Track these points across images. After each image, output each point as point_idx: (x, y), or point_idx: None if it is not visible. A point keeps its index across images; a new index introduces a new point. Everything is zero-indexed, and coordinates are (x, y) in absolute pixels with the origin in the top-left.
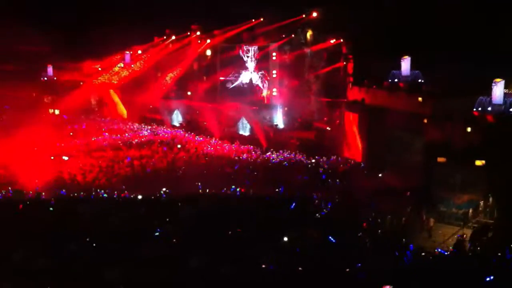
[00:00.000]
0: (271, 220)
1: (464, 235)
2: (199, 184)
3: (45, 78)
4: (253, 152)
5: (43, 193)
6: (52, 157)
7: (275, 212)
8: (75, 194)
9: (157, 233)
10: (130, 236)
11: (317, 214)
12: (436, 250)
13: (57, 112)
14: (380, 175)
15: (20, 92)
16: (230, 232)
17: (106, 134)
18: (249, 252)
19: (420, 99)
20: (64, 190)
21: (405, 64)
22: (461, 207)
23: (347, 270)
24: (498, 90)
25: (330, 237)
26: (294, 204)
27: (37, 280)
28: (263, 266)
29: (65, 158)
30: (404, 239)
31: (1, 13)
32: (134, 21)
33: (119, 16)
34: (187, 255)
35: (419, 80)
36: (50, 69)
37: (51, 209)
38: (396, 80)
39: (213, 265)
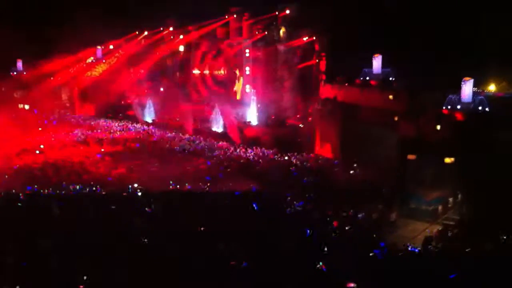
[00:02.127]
0: (242, 215)
1: (433, 232)
2: (171, 180)
3: (15, 73)
4: (226, 149)
5: (14, 190)
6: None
7: (246, 208)
8: (46, 190)
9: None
10: (102, 231)
11: (288, 210)
12: (404, 246)
13: (27, 107)
14: (352, 171)
15: None
16: (202, 228)
17: (78, 130)
18: (220, 248)
19: (391, 96)
20: (33, 186)
21: (377, 62)
22: (431, 204)
23: (317, 265)
24: (467, 88)
25: (307, 230)
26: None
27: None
28: (232, 262)
29: (37, 152)
30: (374, 235)
31: None
32: (106, 16)
33: (90, 11)
34: (158, 250)
35: (390, 78)
36: (19, 64)
37: (19, 204)
38: (367, 78)
39: (184, 260)
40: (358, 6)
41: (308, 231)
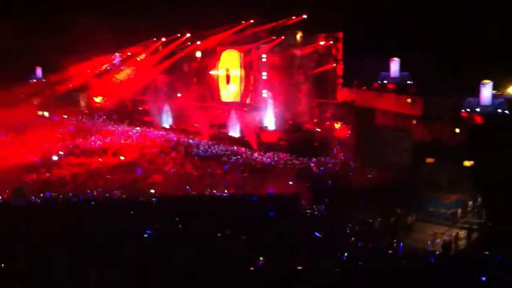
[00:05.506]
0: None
1: (453, 235)
2: (188, 185)
3: (34, 80)
4: (243, 153)
5: (33, 197)
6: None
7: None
8: (63, 196)
9: (145, 235)
10: (118, 237)
11: (304, 214)
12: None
13: (46, 114)
14: (369, 175)
15: (8, 94)
16: (218, 234)
17: (95, 136)
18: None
19: (408, 100)
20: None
21: (394, 66)
22: (449, 207)
23: (337, 269)
24: (486, 91)
25: (316, 233)
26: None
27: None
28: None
29: (55, 158)
30: (395, 240)
31: None
32: (123, 23)
33: (108, 18)
34: (174, 256)
35: (408, 82)
36: (39, 71)
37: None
38: (385, 81)
39: (200, 266)
40: (375, 10)
41: (323, 235)
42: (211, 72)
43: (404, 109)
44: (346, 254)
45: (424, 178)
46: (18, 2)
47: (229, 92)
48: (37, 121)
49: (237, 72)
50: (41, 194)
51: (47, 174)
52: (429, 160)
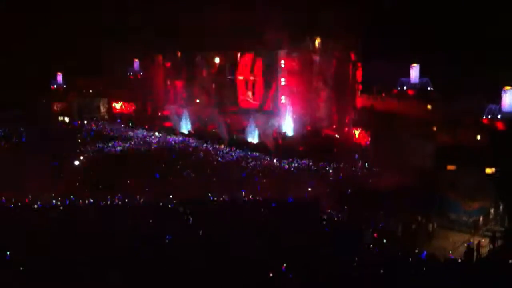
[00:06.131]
0: (278, 226)
1: (475, 243)
2: (207, 191)
3: (55, 86)
4: (262, 159)
5: (54, 201)
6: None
7: (282, 218)
8: (86, 201)
9: (167, 239)
10: (141, 240)
11: (325, 221)
12: (446, 256)
13: (66, 119)
14: (389, 182)
15: (30, 100)
16: (237, 238)
17: (115, 141)
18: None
19: (429, 106)
20: (74, 197)
21: (414, 72)
22: (471, 215)
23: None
24: (508, 97)
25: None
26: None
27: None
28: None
29: (76, 162)
30: (417, 248)
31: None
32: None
33: (127, 25)
34: (195, 259)
35: (428, 88)
36: (59, 77)
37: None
38: (404, 87)
39: (221, 270)
40: (395, 15)
41: (346, 240)
42: (230, 78)
43: (424, 115)
44: (364, 259)
45: (445, 185)
46: (41, 10)
47: (248, 98)
48: (58, 126)
49: (255, 78)
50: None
51: (69, 179)
52: (451, 167)
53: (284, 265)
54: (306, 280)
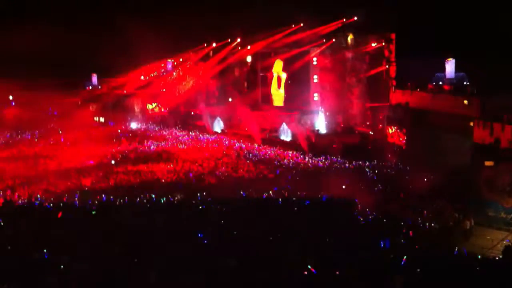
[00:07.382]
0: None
1: None
2: (240, 189)
3: (90, 87)
4: (295, 157)
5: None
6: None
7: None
8: (119, 200)
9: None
10: (171, 238)
11: (360, 219)
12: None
13: (102, 120)
14: (425, 179)
15: (65, 100)
16: (271, 238)
17: (150, 141)
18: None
19: (465, 101)
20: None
21: (450, 67)
22: (510, 212)
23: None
24: None
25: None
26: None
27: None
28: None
29: (113, 162)
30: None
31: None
32: (176, 29)
33: (158, 24)
34: (225, 258)
35: (464, 82)
36: (94, 78)
37: (93, 213)
38: (440, 82)
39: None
40: (429, 9)
41: (383, 242)
42: (262, 75)
43: (461, 110)
44: (404, 258)
45: (483, 182)
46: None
47: (280, 96)
48: (94, 126)
49: (287, 76)
50: (99, 197)
51: (105, 178)
52: (488, 163)
53: (315, 265)
54: (339, 280)
